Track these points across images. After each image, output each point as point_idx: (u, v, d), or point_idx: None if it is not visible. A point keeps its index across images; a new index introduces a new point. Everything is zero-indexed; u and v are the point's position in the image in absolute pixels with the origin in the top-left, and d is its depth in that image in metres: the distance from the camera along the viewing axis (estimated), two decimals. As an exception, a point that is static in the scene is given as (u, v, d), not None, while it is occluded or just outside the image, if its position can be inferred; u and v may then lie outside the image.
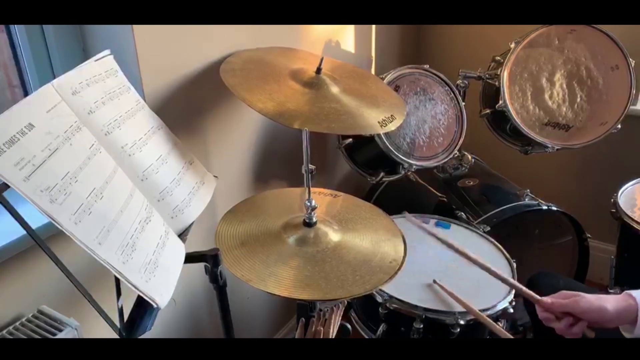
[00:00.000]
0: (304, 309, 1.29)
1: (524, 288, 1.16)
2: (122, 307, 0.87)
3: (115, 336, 0.85)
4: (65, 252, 0.88)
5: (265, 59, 1.40)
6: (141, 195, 0.94)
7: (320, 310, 1.27)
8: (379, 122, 1.26)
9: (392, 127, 1.28)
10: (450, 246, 1.23)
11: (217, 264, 1.06)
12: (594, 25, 1.72)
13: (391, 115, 1.30)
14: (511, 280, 1.23)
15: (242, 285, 1.02)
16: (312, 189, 1.21)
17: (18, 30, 1.13)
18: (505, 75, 1.74)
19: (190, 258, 1.01)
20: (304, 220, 1.19)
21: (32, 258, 1.07)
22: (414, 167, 1.70)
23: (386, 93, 1.49)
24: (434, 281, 1.38)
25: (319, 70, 1.31)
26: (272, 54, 1.44)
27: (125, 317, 0.88)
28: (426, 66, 1.76)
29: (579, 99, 1.78)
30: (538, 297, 1.09)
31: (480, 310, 1.29)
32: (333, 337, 1.21)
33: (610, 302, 1.01)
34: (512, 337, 1.11)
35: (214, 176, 1.24)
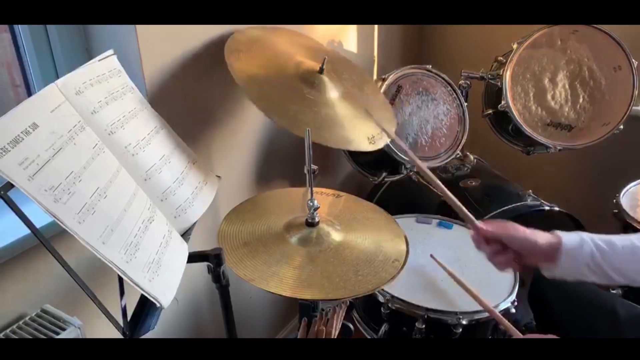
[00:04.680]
0: (306, 309, 1.29)
1: (463, 208, 1.11)
2: (125, 307, 0.87)
3: (119, 335, 0.85)
4: (68, 251, 0.88)
5: (270, 41, 1.39)
6: (144, 195, 0.94)
7: (323, 310, 1.27)
8: (368, 138, 1.26)
9: (381, 144, 1.28)
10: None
11: (220, 263, 1.06)
12: (597, 26, 1.72)
13: (381, 131, 1.30)
14: (453, 199, 1.17)
15: (244, 285, 1.02)
16: (314, 189, 1.21)
17: (22, 29, 1.13)
18: (507, 75, 1.74)
19: (193, 257, 1.01)
20: (307, 220, 1.19)
21: (35, 257, 1.07)
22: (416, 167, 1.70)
23: (380, 103, 1.49)
24: (431, 255, 1.36)
25: (321, 71, 1.31)
26: (277, 37, 1.43)
27: (129, 316, 0.88)
28: (428, 66, 1.76)
29: (581, 100, 1.78)
30: (474, 219, 1.09)
31: (482, 311, 1.29)
32: (335, 337, 1.21)
33: (540, 237, 1.02)
34: (514, 328, 1.11)
35: (217, 176, 1.24)
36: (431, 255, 1.37)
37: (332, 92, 1.28)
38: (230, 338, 1.19)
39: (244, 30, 1.37)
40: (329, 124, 1.21)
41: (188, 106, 1.33)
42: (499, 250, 1.05)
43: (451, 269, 1.33)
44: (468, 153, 2.00)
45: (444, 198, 1.15)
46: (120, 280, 0.85)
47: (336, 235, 1.19)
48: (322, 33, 1.77)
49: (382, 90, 1.65)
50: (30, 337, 1.02)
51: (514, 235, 1.03)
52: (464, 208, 1.10)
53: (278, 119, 1.19)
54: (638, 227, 1.56)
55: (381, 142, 1.28)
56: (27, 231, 0.72)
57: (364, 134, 1.26)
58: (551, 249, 1.00)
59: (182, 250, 0.99)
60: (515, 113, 1.74)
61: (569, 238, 1.00)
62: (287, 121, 1.19)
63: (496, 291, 1.36)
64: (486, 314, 1.30)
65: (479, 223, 1.08)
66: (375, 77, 2.12)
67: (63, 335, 1.02)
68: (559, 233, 1.02)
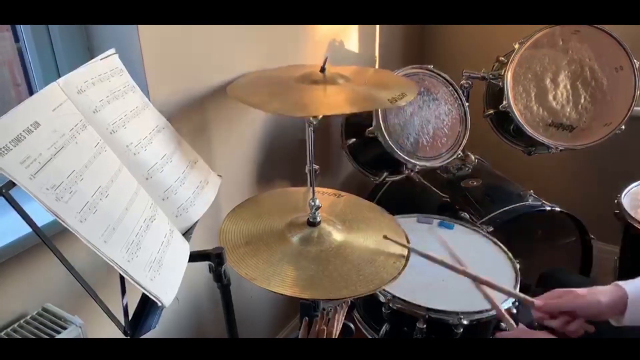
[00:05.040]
0: (308, 308, 1.29)
1: (517, 292, 1.15)
2: (126, 306, 0.87)
3: (120, 335, 0.85)
4: (69, 250, 0.88)
5: (272, 75, 1.40)
6: (146, 194, 0.94)
7: (324, 309, 1.27)
8: (389, 100, 1.23)
9: (402, 102, 1.24)
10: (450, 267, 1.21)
11: (221, 262, 1.06)
12: (598, 26, 1.72)
13: (402, 93, 1.27)
14: (505, 287, 1.20)
15: (245, 284, 1.02)
16: (315, 189, 1.21)
17: (23, 28, 1.13)
18: (509, 75, 1.74)
19: (194, 257, 1.01)
20: (308, 219, 1.19)
21: (37, 256, 1.07)
22: (417, 167, 1.70)
23: (395, 79, 1.47)
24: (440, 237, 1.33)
25: (322, 69, 1.31)
26: (278, 71, 1.45)
27: (130, 315, 0.88)
28: (430, 66, 1.76)
29: (582, 100, 1.77)
30: (531, 299, 1.09)
31: (483, 310, 1.29)
32: (336, 336, 1.21)
33: (602, 295, 1.01)
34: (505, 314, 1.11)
35: (218, 175, 1.24)
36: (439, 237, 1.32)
37: (341, 80, 1.26)
38: (231, 338, 1.19)
39: (248, 74, 1.40)
40: (345, 100, 1.19)
41: (190, 105, 1.33)
42: (568, 321, 1.03)
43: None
44: (469, 153, 2.00)
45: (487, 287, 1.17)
46: (122, 279, 0.86)
47: (337, 235, 1.19)
48: (324, 33, 1.77)
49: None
50: (31, 336, 1.02)
51: (577, 303, 1.02)
52: (519, 293, 1.13)
53: (285, 109, 1.17)
54: (639, 228, 1.56)
55: (403, 101, 1.25)
56: (28, 230, 0.73)
57: (384, 97, 1.24)
58: (618, 302, 1.00)
59: (184, 249, 0.99)
60: (516, 113, 1.74)
61: (633, 287, 1.00)
62: (299, 110, 1.17)
63: (498, 292, 1.36)
64: (487, 314, 1.30)
65: (537, 302, 1.07)
66: (376, 77, 2.12)
67: (64, 334, 1.02)
68: (620, 284, 1.02)
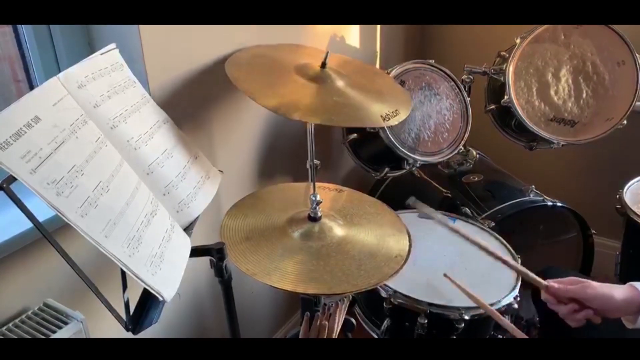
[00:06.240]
0: (309, 304, 1.29)
1: (530, 273, 1.14)
2: (128, 300, 0.87)
3: (121, 329, 0.85)
4: (70, 245, 0.88)
5: (271, 55, 1.39)
6: (147, 189, 0.94)
7: (325, 304, 1.27)
8: (381, 116, 1.24)
9: (394, 122, 1.25)
10: (461, 235, 1.22)
11: (223, 257, 1.06)
12: (600, 21, 1.71)
13: (395, 110, 1.28)
14: (519, 266, 1.21)
15: (246, 280, 1.02)
16: (316, 184, 1.21)
17: (24, 25, 1.13)
18: (510, 70, 1.73)
19: (195, 252, 1.01)
20: (309, 214, 1.19)
21: (37, 251, 1.07)
22: (419, 162, 1.70)
23: (393, 88, 1.48)
24: (445, 275, 1.36)
25: (323, 65, 1.30)
26: (279, 51, 1.44)
27: (131, 310, 0.89)
28: (431, 61, 1.76)
29: (584, 95, 1.77)
30: (545, 282, 1.08)
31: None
32: (337, 332, 1.21)
33: (617, 290, 1.01)
34: (520, 332, 1.10)
35: (219, 171, 1.24)
36: (445, 275, 1.36)
37: (339, 82, 1.26)
38: (233, 337, 1.19)
39: (246, 49, 1.38)
40: (337, 107, 1.19)
41: (191, 101, 1.33)
42: (577, 309, 1.02)
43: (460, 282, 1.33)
44: (470, 148, 2.00)
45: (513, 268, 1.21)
46: (123, 274, 0.86)
47: (338, 230, 1.19)
48: (325, 29, 1.76)
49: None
50: (33, 331, 1.02)
51: (591, 294, 1.01)
52: (530, 273, 1.12)
53: (277, 108, 1.17)
54: (641, 223, 1.56)
55: (394, 120, 1.25)
56: (29, 225, 0.72)
57: (377, 113, 1.24)
58: (631, 302, 0.99)
59: (185, 244, 0.99)
60: (518, 108, 1.74)
61: None
62: (293, 113, 1.17)
63: (499, 286, 1.36)
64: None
65: (552, 283, 1.06)
66: (377, 72, 2.11)
67: (65, 329, 1.02)
68: (635, 284, 1.02)
